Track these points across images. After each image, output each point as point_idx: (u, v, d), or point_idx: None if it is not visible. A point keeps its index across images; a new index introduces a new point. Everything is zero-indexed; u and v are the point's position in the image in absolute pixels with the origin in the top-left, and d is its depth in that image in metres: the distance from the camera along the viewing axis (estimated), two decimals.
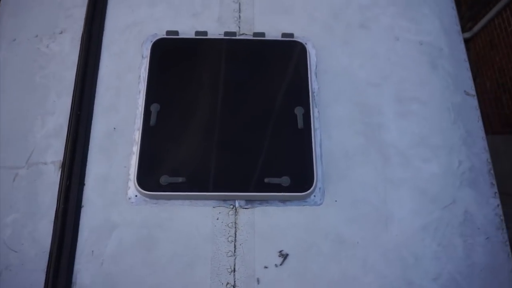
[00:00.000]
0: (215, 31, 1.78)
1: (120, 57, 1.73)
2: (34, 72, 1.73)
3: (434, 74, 1.81)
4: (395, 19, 1.88)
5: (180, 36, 1.73)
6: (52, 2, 1.86)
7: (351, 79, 1.75)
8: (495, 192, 1.65)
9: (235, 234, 1.50)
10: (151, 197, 1.50)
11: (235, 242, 1.48)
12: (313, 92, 1.68)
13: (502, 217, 1.62)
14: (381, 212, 1.57)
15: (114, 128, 1.62)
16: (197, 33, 1.74)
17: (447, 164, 1.66)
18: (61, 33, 1.80)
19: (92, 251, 1.44)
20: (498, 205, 1.63)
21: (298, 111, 1.60)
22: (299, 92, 1.65)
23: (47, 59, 1.75)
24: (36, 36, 1.80)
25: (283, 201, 1.54)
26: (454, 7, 1.99)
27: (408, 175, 1.63)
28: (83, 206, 1.51)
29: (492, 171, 1.69)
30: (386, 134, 1.68)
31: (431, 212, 1.59)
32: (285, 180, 1.51)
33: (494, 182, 1.67)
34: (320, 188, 1.56)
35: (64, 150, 1.58)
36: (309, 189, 1.51)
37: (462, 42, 1.93)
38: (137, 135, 1.57)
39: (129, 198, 1.52)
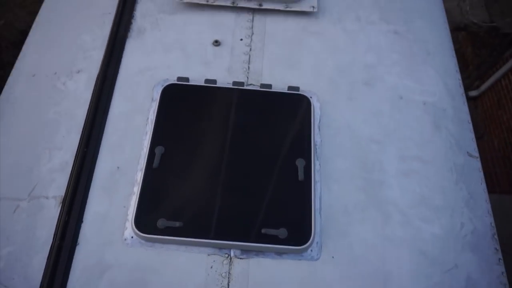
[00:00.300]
0: (224, 80, 1.85)
1: (131, 99, 1.80)
2: (48, 108, 1.79)
3: (437, 134, 1.83)
4: (399, 79, 1.94)
5: (190, 83, 1.80)
6: (74, 42, 1.97)
7: (353, 134, 1.78)
8: (500, 259, 1.60)
9: (228, 285, 1.47)
10: (147, 239, 1.50)
11: None
12: (315, 145, 1.71)
13: (507, 286, 1.56)
14: (380, 271, 1.53)
15: (118, 167, 1.65)
16: (206, 80, 1.81)
17: (448, 225, 1.63)
18: (78, 72, 1.89)
19: None
20: (502, 273, 1.58)
21: (299, 163, 1.62)
22: (301, 144, 1.67)
23: (61, 96, 1.83)
24: (55, 73, 1.89)
25: (279, 253, 1.52)
26: (458, 71, 2.05)
27: (408, 235, 1.60)
28: (78, 243, 1.50)
29: (496, 236, 1.66)
30: (387, 192, 1.68)
31: (431, 275, 1.54)
32: (282, 232, 1.49)
33: (498, 247, 1.63)
34: (317, 243, 1.54)
35: (67, 186, 1.60)
36: (306, 243, 1.49)
37: (466, 104, 1.97)
38: (139, 176, 1.59)
39: (125, 239, 1.51)
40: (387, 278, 1.52)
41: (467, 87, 1.92)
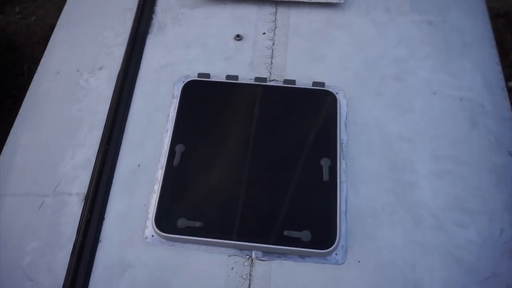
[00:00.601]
0: (246, 76, 1.79)
1: (152, 96, 1.77)
2: (71, 105, 1.80)
3: (474, 132, 1.70)
4: (433, 73, 1.82)
5: (211, 79, 1.76)
6: (96, 39, 1.96)
7: (382, 132, 1.69)
8: None
9: (249, 287, 1.42)
10: (167, 239, 1.47)
11: None
12: (341, 144, 1.63)
13: None
14: (409, 279, 1.44)
15: (139, 165, 1.63)
16: (228, 77, 1.76)
17: (486, 231, 1.52)
18: (100, 69, 1.89)
19: None
20: None
21: (324, 162, 1.55)
22: (326, 142, 1.60)
23: (84, 93, 1.83)
24: (78, 70, 1.90)
25: (302, 256, 1.46)
26: (498, 62, 1.90)
27: (441, 241, 1.50)
28: (100, 241, 1.50)
29: None
30: (419, 194, 1.58)
31: (466, 285, 1.44)
32: (305, 235, 1.43)
33: None
34: (342, 246, 1.47)
35: (89, 183, 1.60)
36: (330, 246, 1.42)
37: (507, 99, 1.82)
38: (160, 174, 1.57)
39: (146, 238, 1.50)
40: (418, 286, 1.43)
41: (506, 78, 1.77)
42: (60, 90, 1.85)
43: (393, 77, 1.80)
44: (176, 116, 1.67)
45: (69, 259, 1.47)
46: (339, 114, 1.66)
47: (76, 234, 1.51)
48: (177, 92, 1.74)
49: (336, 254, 1.46)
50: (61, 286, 1.43)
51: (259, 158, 1.57)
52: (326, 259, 1.45)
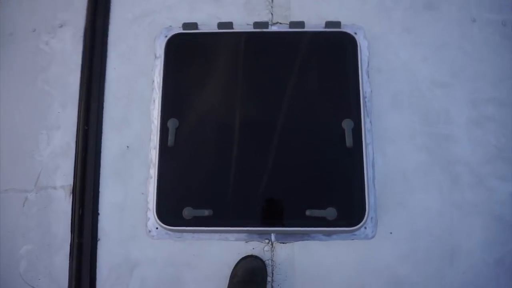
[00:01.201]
0: (242, 21, 1.44)
1: (130, 57, 1.45)
2: (34, 76, 1.48)
3: None
4: None
5: (200, 30, 1.42)
6: None
7: (412, 78, 1.41)
8: None
9: (272, 273, 1.29)
10: (174, 230, 1.30)
11: (272, 283, 1.28)
12: (364, 97, 1.36)
13: None
14: (446, 245, 1.31)
15: (127, 147, 1.39)
16: (220, 25, 1.41)
17: None
18: (61, 26, 1.52)
19: None
20: None
21: (347, 125, 1.30)
22: (347, 99, 1.33)
23: (47, 60, 1.50)
24: (34, 30, 1.53)
25: (328, 234, 1.30)
26: None
27: (480, 198, 1.34)
28: (99, 239, 1.33)
29: None
30: (455, 148, 1.37)
31: (507, 241, 1.31)
32: (330, 213, 1.25)
33: None
34: (372, 218, 1.31)
35: (74, 173, 1.38)
36: (359, 222, 1.25)
37: None
38: (154, 156, 1.34)
39: (150, 231, 1.32)
40: (455, 251, 1.30)
41: None
42: (17, 58, 1.51)
43: (423, 5, 1.45)
44: (163, 82, 1.37)
45: (69, 262, 1.32)
46: (360, 61, 1.36)
47: (71, 234, 1.34)
48: (160, 51, 1.41)
49: (365, 228, 1.30)
50: None
51: (269, 127, 1.32)
52: (355, 235, 1.30)
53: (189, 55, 1.39)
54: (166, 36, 1.42)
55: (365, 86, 1.38)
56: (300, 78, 1.36)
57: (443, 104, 1.39)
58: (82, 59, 1.46)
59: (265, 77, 1.37)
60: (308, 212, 1.25)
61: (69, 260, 1.32)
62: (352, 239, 1.30)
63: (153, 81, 1.42)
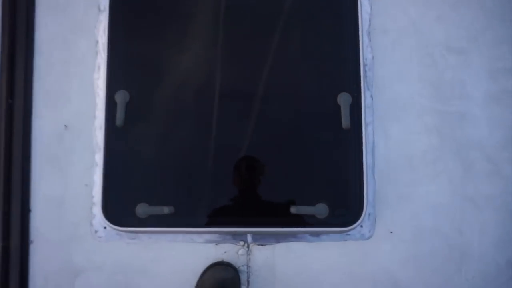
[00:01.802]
0: None
1: (65, 11, 1.12)
2: None
3: None
4: None
5: None
6: None
7: (422, 42, 1.14)
8: None
9: (248, 281, 1.07)
10: (126, 231, 1.04)
11: None
12: (364, 66, 1.09)
13: None
14: (455, 246, 1.11)
15: (66, 126, 1.09)
16: None
17: None
18: None
19: None
20: None
21: (343, 100, 1.03)
22: (343, 68, 1.06)
23: None
24: None
25: (317, 234, 1.07)
26: None
27: (496, 190, 1.13)
28: (31, 242, 1.07)
29: None
30: (470, 130, 1.14)
31: None
32: (321, 209, 1.01)
33: None
34: (370, 215, 1.08)
35: None
36: (355, 221, 1.02)
37: None
38: (100, 138, 1.06)
39: (96, 231, 1.06)
40: (465, 253, 1.10)
41: None
42: None
43: None
44: (109, 43, 1.06)
45: None
46: (361, 19, 1.07)
47: None
48: (105, 2, 1.09)
49: (361, 226, 1.07)
50: None
51: (247, 101, 1.04)
52: (349, 235, 1.07)
53: (143, 8, 1.08)
54: None
55: (366, 52, 1.11)
56: (286, 42, 1.07)
57: (457, 74, 1.14)
58: (1, 14, 1.12)
59: (244, 37, 1.07)
60: (293, 209, 1.00)
61: None
62: (346, 240, 1.08)
63: (97, 41, 1.11)
